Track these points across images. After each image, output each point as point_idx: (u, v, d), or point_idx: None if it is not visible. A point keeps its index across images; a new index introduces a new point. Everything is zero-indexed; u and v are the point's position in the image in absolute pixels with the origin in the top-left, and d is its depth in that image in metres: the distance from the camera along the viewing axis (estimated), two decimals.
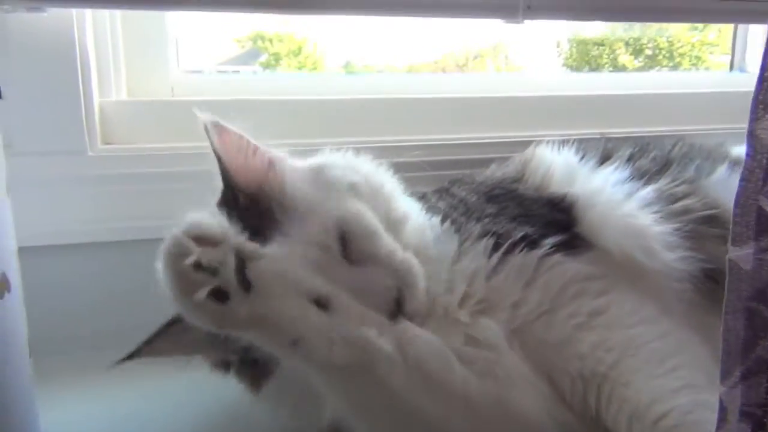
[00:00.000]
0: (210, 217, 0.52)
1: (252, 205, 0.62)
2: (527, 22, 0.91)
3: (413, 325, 0.59)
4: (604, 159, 0.79)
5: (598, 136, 0.96)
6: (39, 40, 0.83)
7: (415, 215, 0.70)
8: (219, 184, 0.64)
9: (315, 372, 0.55)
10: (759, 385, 0.39)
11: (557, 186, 0.74)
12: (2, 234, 0.58)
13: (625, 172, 0.75)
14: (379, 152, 0.75)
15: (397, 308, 0.60)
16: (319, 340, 0.51)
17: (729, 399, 0.40)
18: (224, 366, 0.65)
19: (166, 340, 0.61)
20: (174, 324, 0.60)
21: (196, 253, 0.47)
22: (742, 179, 0.39)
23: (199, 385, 0.68)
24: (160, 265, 0.49)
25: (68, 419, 0.72)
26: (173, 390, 0.69)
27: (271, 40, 1.26)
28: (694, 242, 0.70)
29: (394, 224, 0.67)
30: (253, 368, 0.63)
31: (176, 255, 0.47)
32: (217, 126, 0.63)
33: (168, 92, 1.01)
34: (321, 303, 0.53)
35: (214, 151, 0.62)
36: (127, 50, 0.96)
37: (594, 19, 1.22)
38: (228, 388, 0.66)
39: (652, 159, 0.80)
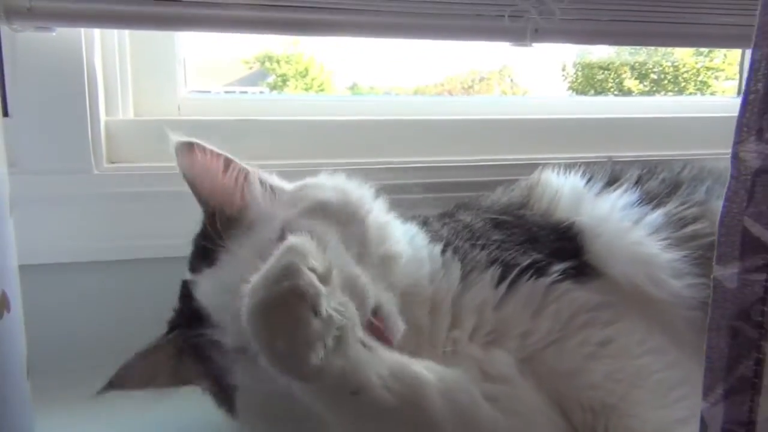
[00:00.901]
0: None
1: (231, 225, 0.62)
2: (535, 45, 0.91)
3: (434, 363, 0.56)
4: (612, 182, 0.78)
5: (605, 159, 0.96)
6: (47, 59, 0.84)
7: (412, 251, 0.67)
8: None
9: (340, 409, 0.50)
10: (741, 404, 0.39)
11: (563, 212, 0.73)
12: (3, 254, 0.57)
13: (634, 196, 0.74)
14: (384, 173, 0.74)
15: None
16: (377, 388, 0.48)
17: (710, 416, 0.40)
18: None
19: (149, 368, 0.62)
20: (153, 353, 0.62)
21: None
22: (726, 200, 0.41)
23: (200, 405, 0.67)
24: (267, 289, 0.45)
25: None
26: (172, 411, 0.67)
27: (278, 62, 1.27)
28: (704, 268, 0.68)
29: (387, 260, 0.64)
30: (226, 392, 0.62)
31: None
32: (187, 145, 0.63)
33: (175, 112, 1.01)
34: None
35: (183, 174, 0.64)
36: (134, 69, 0.97)
37: (601, 43, 1.22)
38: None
39: (661, 181, 0.78)
